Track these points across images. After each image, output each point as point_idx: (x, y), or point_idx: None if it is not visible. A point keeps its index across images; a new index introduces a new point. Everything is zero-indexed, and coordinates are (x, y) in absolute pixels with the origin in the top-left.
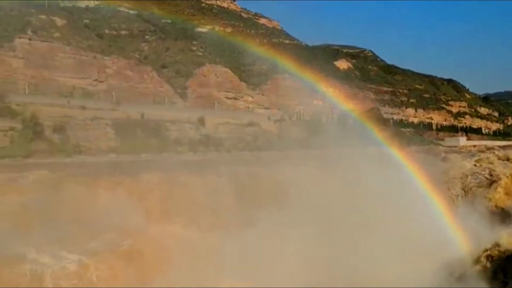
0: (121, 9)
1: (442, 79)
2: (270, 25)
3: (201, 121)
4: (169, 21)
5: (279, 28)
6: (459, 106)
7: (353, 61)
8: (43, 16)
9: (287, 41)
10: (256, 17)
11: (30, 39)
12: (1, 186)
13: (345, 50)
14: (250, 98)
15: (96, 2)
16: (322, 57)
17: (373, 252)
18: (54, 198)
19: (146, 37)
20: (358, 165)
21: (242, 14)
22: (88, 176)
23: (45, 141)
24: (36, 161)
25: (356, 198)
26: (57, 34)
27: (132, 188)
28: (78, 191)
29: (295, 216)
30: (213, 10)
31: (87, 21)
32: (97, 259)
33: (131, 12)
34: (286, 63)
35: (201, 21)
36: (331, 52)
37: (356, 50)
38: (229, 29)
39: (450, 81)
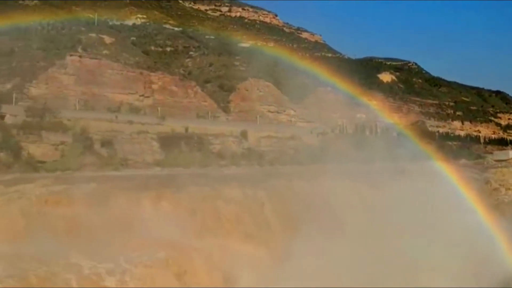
0: (166, 26)
1: (489, 90)
2: (313, 39)
3: (244, 135)
4: (213, 37)
5: (322, 41)
6: (508, 119)
7: (397, 73)
8: (93, 34)
9: (330, 55)
10: (299, 32)
11: (80, 56)
12: (53, 198)
13: (388, 63)
14: (292, 112)
15: (143, 20)
16: (365, 70)
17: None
18: (102, 210)
19: (190, 53)
20: (404, 179)
21: (285, 28)
22: (134, 189)
23: (94, 154)
24: (86, 174)
25: (404, 215)
26: (105, 51)
27: (176, 201)
28: (125, 203)
29: (342, 233)
30: (256, 26)
31: (134, 38)
32: (141, 270)
33: (176, 29)
34: (328, 76)
35: (244, 36)
36: (375, 65)
37: (400, 63)
38: (271, 44)
39: (498, 92)
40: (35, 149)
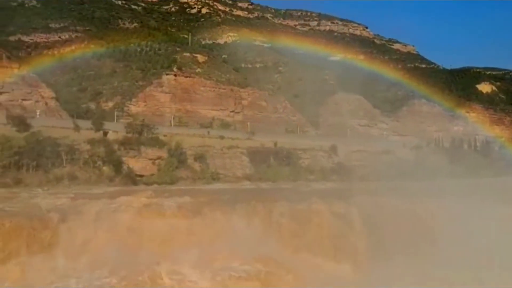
0: (256, 43)
1: None
2: (405, 50)
3: (333, 149)
4: (302, 52)
5: (415, 52)
6: None
7: (498, 83)
8: (187, 54)
9: (424, 65)
10: (390, 43)
11: (175, 75)
12: (150, 210)
13: (488, 72)
14: (384, 125)
15: (233, 38)
16: (462, 80)
17: None
18: (195, 222)
19: (280, 68)
20: (509, 197)
21: (375, 40)
22: (226, 203)
23: (188, 168)
24: (180, 187)
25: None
26: (199, 70)
27: (266, 216)
28: (217, 216)
29: (433, 260)
30: (345, 39)
31: (225, 56)
32: (231, 282)
33: (265, 45)
34: (423, 88)
35: (333, 50)
36: (473, 75)
37: (501, 72)
38: (361, 57)
39: None
40: (134, 163)
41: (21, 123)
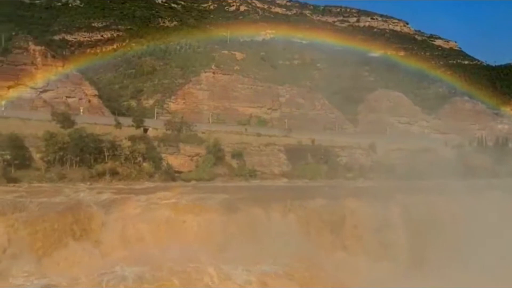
0: (294, 40)
1: None
2: (447, 46)
3: (372, 147)
4: (340, 48)
5: (457, 48)
6: None
7: None
8: (225, 51)
9: (466, 62)
10: (432, 39)
11: (214, 73)
12: (188, 207)
13: None
14: (425, 123)
15: (271, 35)
16: (507, 77)
17: None
18: (232, 219)
19: (318, 65)
20: None
21: (416, 36)
22: (263, 200)
23: (225, 165)
24: (218, 184)
25: None
26: (236, 67)
27: (303, 213)
28: (254, 214)
29: (478, 265)
30: (385, 35)
31: (263, 53)
32: (273, 282)
33: (303, 42)
34: (465, 85)
35: (373, 46)
36: None
37: None
38: (401, 53)
39: None
40: (173, 160)
41: (65, 119)
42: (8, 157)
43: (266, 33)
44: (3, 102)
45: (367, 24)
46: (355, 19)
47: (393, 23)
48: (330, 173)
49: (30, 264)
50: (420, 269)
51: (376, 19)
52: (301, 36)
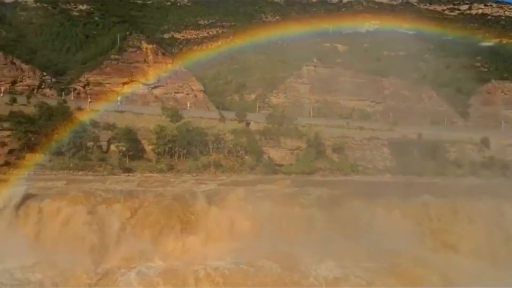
0: (400, 30)
1: None
2: None
3: (485, 142)
4: (450, 38)
5: None
6: None
7: None
8: (327, 44)
9: None
10: None
11: (315, 66)
12: (289, 199)
13: None
14: None
15: (376, 26)
16: None
17: None
18: (333, 214)
19: (425, 56)
20: None
21: None
22: (365, 196)
23: (326, 159)
24: (318, 178)
25: None
26: (339, 60)
27: (408, 211)
28: (356, 209)
29: None
30: (501, 22)
31: (366, 45)
32: (368, 275)
33: (410, 32)
34: None
35: (486, 34)
36: None
37: None
38: None
39: None
40: (274, 153)
41: (174, 114)
42: (124, 148)
43: (370, 24)
44: (119, 98)
45: (479, 11)
46: (466, 6)
47: (509, 9)
48: (438, 169)
49: (144, 248)
50: None
51: (491, 5)
52: (407, 26)
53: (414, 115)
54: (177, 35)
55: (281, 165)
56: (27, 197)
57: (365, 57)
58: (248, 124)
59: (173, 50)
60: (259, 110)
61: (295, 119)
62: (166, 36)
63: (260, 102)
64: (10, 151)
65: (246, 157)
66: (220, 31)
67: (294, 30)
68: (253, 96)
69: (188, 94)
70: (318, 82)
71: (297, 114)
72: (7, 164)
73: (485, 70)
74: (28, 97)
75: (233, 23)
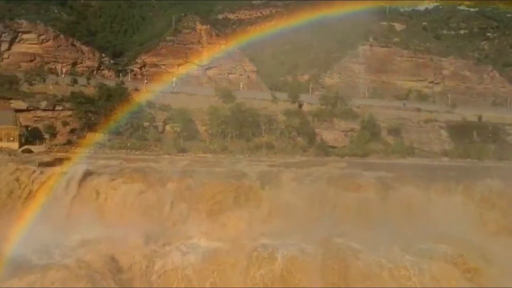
0: (461, 7)
1: None
2: None
3: None
4: None
5: None
6: None
7: None
8: (384, 23)
9: None
10: None
11: (371, 45)
12: (342, 182)
13: None
14: None
15: (435, 4)
16: None
17: None
18: (388, 197)
19: (488, 34)
20: None
21: None
22: (422, 179)
23: (381, 142)
24: (372, 161)
25: None
26: (396, 39)
27: (469, 196)
28: (411, 193)
29: None
30: None
31: (425, 23)
32: (434, 265)
33: (471, 9)
34: None
35: None
36: None
37: None
38: None
39: None
40: (327, 134)
41: (227, 95)
42: (178, 129)
43: (430, 1)
44: (174, 79)
45: None
46: None
47: None
48: (499, 153)
49: (197, 225)
50: None
51: None
52: (468, 3)
53: (475, 96)
54: (230, 16)
55: (334, 147)
56: (88, 175)
57: (424, 36)
58: (301, 105)
59: (226, 31)
60: (312, 91)
61: (349, 100)
62: (220, 16)
63: (313, 82)
64: (72, 131)
65: (298, 138)
66: (273, 11)
67: (349, 8)
68: (306, 76)
69: (241, 75)
70: (374, 61)
71: (352, 95)
72: (69, 143)
73: None
74: (88, 78)
75: (287, 3)
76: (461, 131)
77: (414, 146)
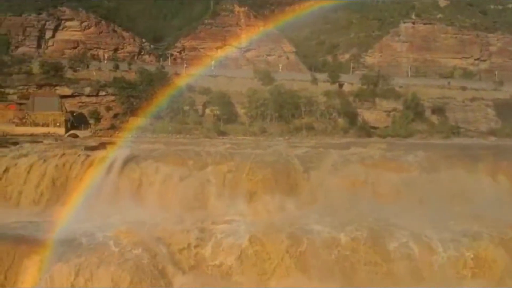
0: None
1: None
2: None
3: None
4: None
5: None
6: None
7: None
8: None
9: None
10: None
11: (413, 23)
12: (384, 163)
13: None
14: None
15: None
16: None
17: None
18: (432, 178)
19: None
20: None
21: None
22: (467, 159)
23: (425, 122)
24: (416, 141)
25: None
26: (440, 16)
27: None
28: (456, 174)
29: None
30: None
31: None
32: (481, 247)
33: None
34: None
35: None
36: None
37: None
38: None
39: None
40: (369, 115)
41: (265, 77)
42: (218, 112)
43: None
44: (212, 62)
45: None
46: None
47: None
48: None
49: (239, 208)
50: None
51: None
52: None
53: None
54: None
55: (376, 128)
56: (131, 158)
57: (469, 11)
58: (341, 85)
59: (264, 12)
60: (353, 71)
61: (392, 79)
62: None
63: (354, 62)
64: (115, 115)
65: (339, 119)
66: None
67: None
68: (346, 56)
69: (280, 56)
70: (417, 39)
71: (394, 74)
72: (112, 127)
73: None
74: (129, 64)
75: None
76: (509, 109)
77: (460, 125)
